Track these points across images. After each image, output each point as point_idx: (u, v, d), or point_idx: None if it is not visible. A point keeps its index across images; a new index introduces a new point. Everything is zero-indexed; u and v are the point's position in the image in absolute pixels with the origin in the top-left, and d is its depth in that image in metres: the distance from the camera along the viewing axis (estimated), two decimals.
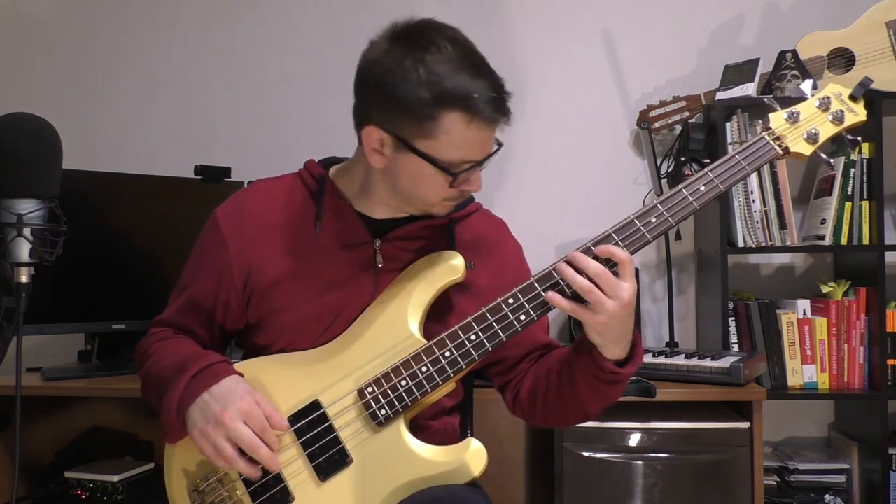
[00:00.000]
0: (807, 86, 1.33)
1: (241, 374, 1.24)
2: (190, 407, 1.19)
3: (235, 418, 1.15)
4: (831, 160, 1.34)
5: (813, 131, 1.28)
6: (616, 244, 1.19)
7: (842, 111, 1.30)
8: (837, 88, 1.31)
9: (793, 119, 1.29)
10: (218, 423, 1.15)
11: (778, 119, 1.29)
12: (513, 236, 1.47)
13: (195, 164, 2.30)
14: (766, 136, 1.28)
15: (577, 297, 1.17)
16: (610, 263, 1.17)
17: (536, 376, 1.36)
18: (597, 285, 1.15)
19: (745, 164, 1.25)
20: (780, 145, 1.27)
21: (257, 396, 1.20)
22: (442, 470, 1.20)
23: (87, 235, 2.11)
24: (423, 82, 1.16)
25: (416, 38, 1.19)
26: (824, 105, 1.30)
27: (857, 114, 1.30)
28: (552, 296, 1.18)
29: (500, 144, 1.26)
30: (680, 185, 1.24)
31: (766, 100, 1.33)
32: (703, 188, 1.23)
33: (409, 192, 1.27)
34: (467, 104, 1.16)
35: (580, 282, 1.15)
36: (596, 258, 1.17)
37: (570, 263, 1.17)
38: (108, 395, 2.21)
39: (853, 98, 1.30)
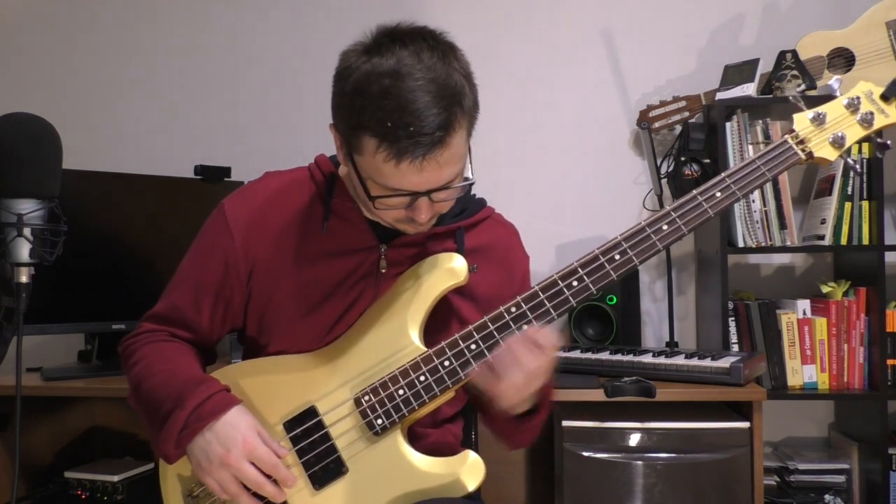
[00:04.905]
0: (836, 83, 1.22)
1: (240, 402, 1.20)
2: (189, 445, 1.16)
3: (241, 459, 1.13)
4: (857, 165, 1.24)
5: (839, 135, 1.18)
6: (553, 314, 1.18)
7: (871, 113, 1.19)
8: (869, 86, 1.21)
9: (819, 121, 1.19)
10: (222, 465, 1.13)
11: (803, 120, 1.19)
12: (523, 247, 1.43)
13: (195, 164, 2.30)
14: (790, 140, 1.19)
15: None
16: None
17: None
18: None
19: (766, 169, 1.17)
20: (803, 150, 1.18)
21: (259, 429, 1.17)
22: (438, 483, 1.17)
23: (87, 235, 2.11)
24: (348, 95, 1.11)
25: (372, 48, 1.12)
26: (853, 105, 1.19)
27: (888, 115, 1.19)
28: (474, 374, 1.17)
29: (470, 183, 1.20)
30: (694, 191, 1.17)
31: (790, 98, 1.21)
32: (719, 194, 1.16)
33: (364, 203, 1.23)
34: (378, 130, 1.07)
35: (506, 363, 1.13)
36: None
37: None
38: (108, 395, 2.21)
39: (884, 98, 1.20)
